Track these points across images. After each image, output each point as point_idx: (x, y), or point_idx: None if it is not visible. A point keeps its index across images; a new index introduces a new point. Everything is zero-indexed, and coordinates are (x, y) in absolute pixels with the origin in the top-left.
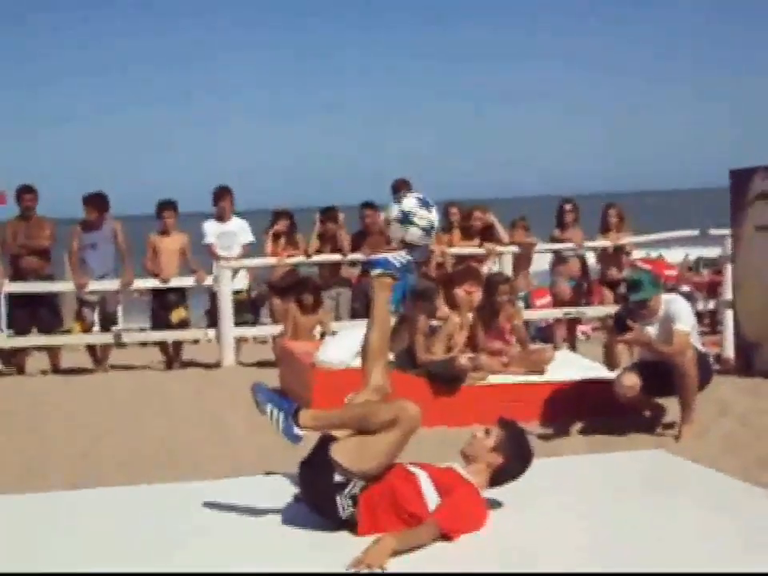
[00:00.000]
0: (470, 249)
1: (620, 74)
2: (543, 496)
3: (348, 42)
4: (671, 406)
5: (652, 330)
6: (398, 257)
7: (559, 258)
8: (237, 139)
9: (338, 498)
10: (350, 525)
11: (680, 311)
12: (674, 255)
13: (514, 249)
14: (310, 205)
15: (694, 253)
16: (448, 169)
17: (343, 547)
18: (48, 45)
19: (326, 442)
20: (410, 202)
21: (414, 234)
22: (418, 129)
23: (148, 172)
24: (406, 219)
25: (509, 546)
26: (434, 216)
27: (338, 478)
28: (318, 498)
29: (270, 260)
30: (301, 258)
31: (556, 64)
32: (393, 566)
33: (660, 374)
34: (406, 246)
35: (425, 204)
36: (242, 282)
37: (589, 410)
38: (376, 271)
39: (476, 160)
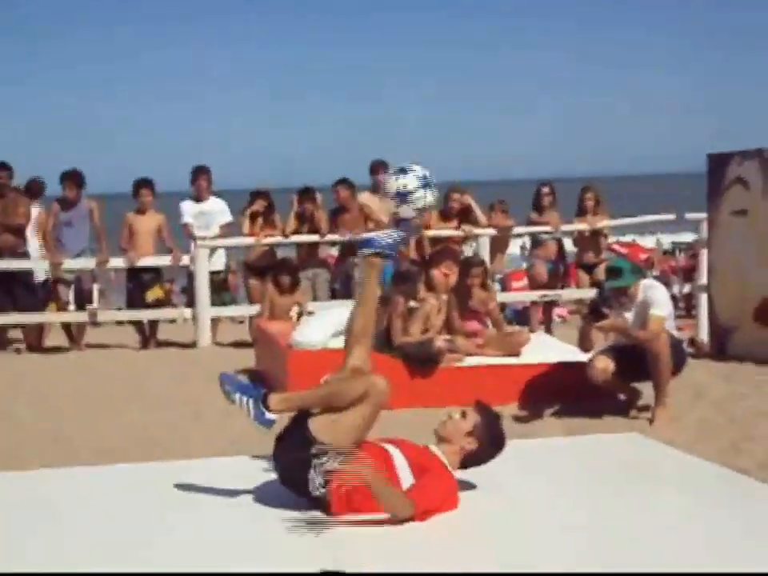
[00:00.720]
0: (448, 231)
1: (599, 57)
2: (516, 478)
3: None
4: (646, 391)
5: (628, 315)
6: (388, 236)
7: (536, 241)
8: (218, 117)
9: (311, 472)
10: (322, 504)
11: (657, 297)
12: (648, 240)
13: (492, 231)
14: (288, 185)
15: (669, 238)
16: (430, 149)
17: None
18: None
19: (302, 417)
20: (409, 180)
21: (406, 211)
22: (402, 107)
23: (125, 150)
24: (402, 171)
25: (479, 531)
26: (430, 197)
27: (313, 452)
28: (292, 473)
29: (248, 240)
30: (278, 239)
31: (535, 42)
32: (373, 558)
33: (634, 358)
34: (397, 222)
35: (425, 184)
36: (220, 262)
37: (564, 393)
38: (366, 251)
39: (454, 142)
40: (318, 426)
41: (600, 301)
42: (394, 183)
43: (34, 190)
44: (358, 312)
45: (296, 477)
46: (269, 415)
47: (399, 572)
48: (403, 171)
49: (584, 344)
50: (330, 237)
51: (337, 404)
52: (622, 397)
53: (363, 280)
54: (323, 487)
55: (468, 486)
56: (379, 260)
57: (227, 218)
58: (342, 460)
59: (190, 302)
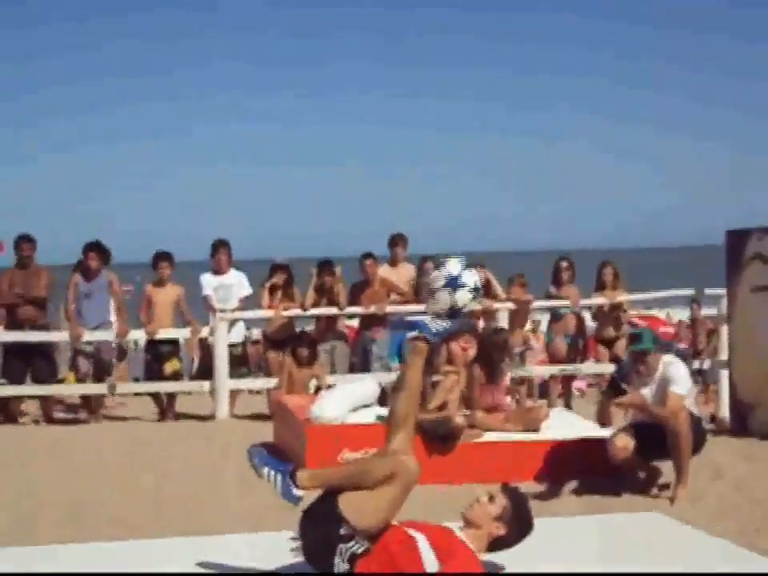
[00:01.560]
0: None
1: (616, 129)
2: (538, 558)
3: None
4: (665, 468)
5: (648, 392)
6: (439, 324)
7: (555, 315)
8: (235, 185)
9: (337, 553)
10: None
11: (677, 374)
12: (663, 313)
13: (510, 305)
14: (308, 256)
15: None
16: (438, 219)
17: None
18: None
19: (330, 492)
20: (454, 268)
21: (463, 298)
22: (415, 181)
23: (140, 219)
24: (455, 283)
25: None
26: (477, 277)
27: (342, 531)
28: (317, 553)
29: (267, 313)
30: (297, 311)
31: (557, 108)
32: None
33: (654, 437)
34: (452, 312)
35: (466, 266)
36: (239, 334)
37: (583, 470)
38: (413, 333)
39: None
40: (346, 504)
41: (619, 376)
42: (441, 274)
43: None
44: (401, 396)
45: (321, 558)
46: (296, 491)
47: None
48: (442, 263)
49: (603, 419)
50: (350, 309)
51: (364, 483)
52: (641, 475)
53: (408, 363)
54: (348, 572)
55: (488, 564)
56: (424, 345)
57: (246, 290)
58: (367, 548)
59: (204, 374)
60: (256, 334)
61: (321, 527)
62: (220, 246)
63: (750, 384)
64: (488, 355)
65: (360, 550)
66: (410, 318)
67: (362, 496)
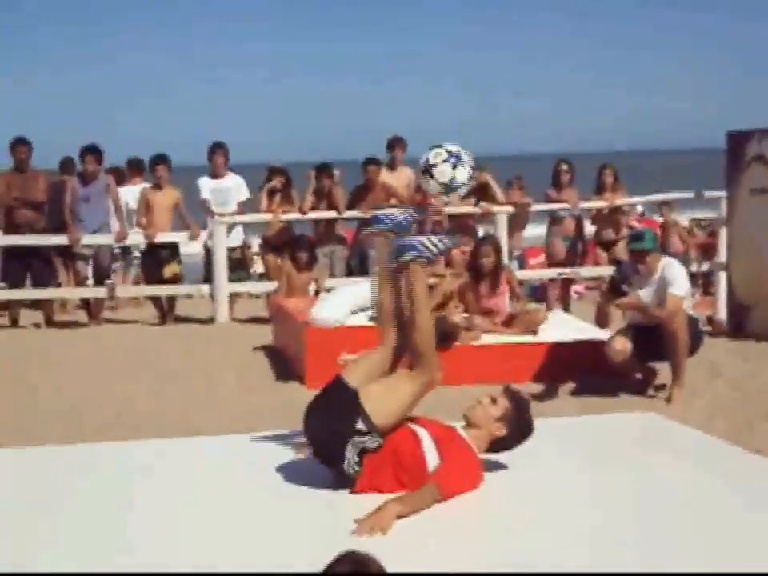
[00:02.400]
0: (466, 208)
1: (614, 29)
2: (536, 458)
3: None
4: (662, 370)
5: (646, 293)
6: (435, 243)
7: (554, 218)
8: (234, 91)
9: (349, 445)
10: (348, 479)
11: (676, 276)
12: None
13: (510, 209)
14: (306, 160)
15: (688, 215)
16: (442, 121)
17: (343, 507)
18: None
19: (344, 386)
20: (453, 146)
21: (462, 174)
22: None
23: (139, 123)
24: (456, 159)
25: (502, 512)
26: (458, 174)
27: (358, 425)
28: (328, 445)
29: (265, 216)
30: (296, 215)
31: (556, 17)
32: (394, 532)
33: (651, 338)
34: (447, 189)
35: (454, 159)
36: (237, 238)
37: (580, 371)
38: (408, 256)
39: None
40: (367, 398)
41: (619, 278)
42: (423, 157)
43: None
44: (384, 293)
45: (331, 450)
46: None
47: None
48: (432, 148)
49: (601, 320)
50: (348, 213)
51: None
52: (638, 376)
53: (412, 284)
54: (358, 465)
55: (487, 464)
56: (420, 267)
57: (245, 194)
58: (380, 444)
59: (207, 278)
60: (256, 245)
61: (336, 419)
62: (217, 148)
63: (748, 286)
64: (482, 260)
65: (373, 445)
66: (406, 240)
67: (383, 392)
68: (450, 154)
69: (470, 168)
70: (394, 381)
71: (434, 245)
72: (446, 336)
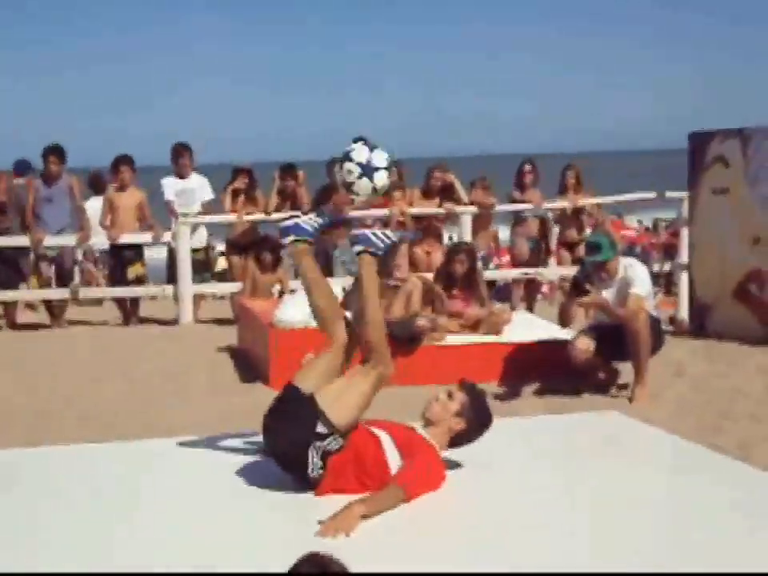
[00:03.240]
0: (430, 208)
1: (582, 29)
2: (499, 457)
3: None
4: (625, 369)
5: (609, 294)
6: (383, 236)
7: (518, 219)
8: (194, 93)
9: (311, 450)
10: (312, 483)
11: (637, 276)
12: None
13: (474, 209)
14: (271, 160)
15: (651, 215)
16: (406, 124)
17: (307, 509)
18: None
19: (296, 391)
20: (360, 153)
21: (382, 179)
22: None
23: (104, 123)
24: (369, 169)
25: (464, 511)
26: (385, 153)
27: (318, 428)
28: (290, 450)
29: (229, 217)
30: (260, 216)
31: (526, 15)
32: (358, 533)
33: (614, 338)
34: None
35: (371, 147)
36: (201, 239)
37: (544, 372)
38: (357, 248)
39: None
40: (325, 400)
41: (582, 277)
42: (369, 185)
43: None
44: (315, 297)
45: (294, 457)
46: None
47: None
48: (369, 169)
49: (564, 320)
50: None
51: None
52: (601, 375)
53: (361, 276)
54: (321, 469)
55: (450, 463)
56: (303, 246)
57: (209, 194)
58: (341, 445)
59: (171, 279)
60: (219, 246)
61: (295, 426)
62: (182, 149)
63: (709, 285)
64: (455, 266)
65: (336, 446)
66: (354, 232)
67: (339, 391)
68: (369, 161)
69: (373, 188)
70: (348, 378)
71: (381, 238)
72: (413, 337)
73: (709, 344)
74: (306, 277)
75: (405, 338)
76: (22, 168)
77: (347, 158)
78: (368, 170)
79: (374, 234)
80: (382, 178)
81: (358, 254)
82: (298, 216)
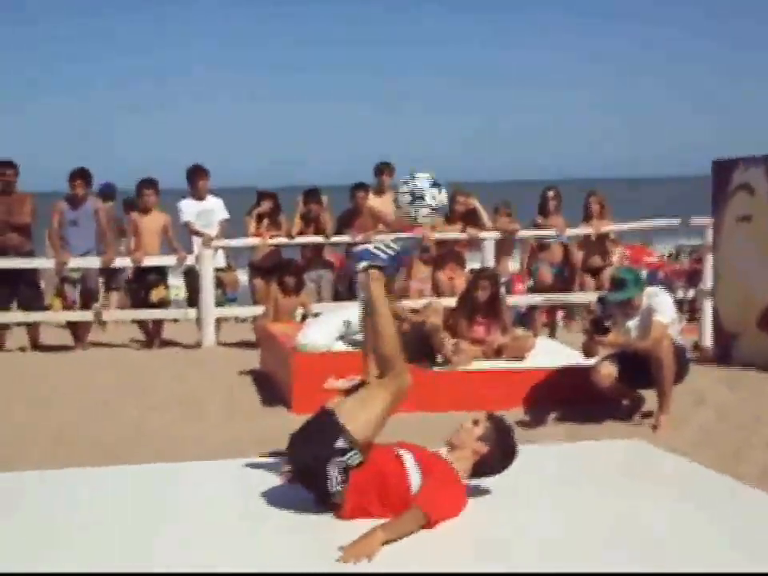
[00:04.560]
0: (453, 233)
1: (601, 58)
2: (521, 484)
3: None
4: (649, 397)
5: (633, 324)
6: (383, 248)
7: (541, 245)
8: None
9: (331, 465)
10: (334, 502)
11: (661, 304)
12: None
13: (496, 234)
14: (293, 184)
15: (675, 242)
16: (432, 150)
17: (328, 533)
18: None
19: (328, 412)
20: (421, 182)
21: (422, 213)
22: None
23: (122, 147)
24: (418, 198)
25: (486, 537)
26: (443, 196)
27: (339, 444)
28: (311, 465)
29: (253, 240)
30: (283, 240)
31: (539, 44)
32: (379, 559)
33: (638, 364)
34: (407, 229)
35: (435, 184)
36: (219, 261)
37: (568, 398)
38: (362, 264)
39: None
40: (344, 414)
41: (602, 315)
42: (405, 187)
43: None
44: (380, 322)
45: (314, 472)
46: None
47: None
48: (410, 179)
49: (588, 353)
50: (336, 238)
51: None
52: (625, 402)
53: (370, 293)
54: (343, 484)
55: (472, 489)
56: (377, 272)
57: (225, 215)
58: (362, 460)
59: (192, 301)
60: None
61: (317, 442)
62: (200, 171)
63: (734, 313)
64: (479, 292)
65: (356, 462)
66: (356, 249)
67: (357, 405)
68: (415, 189)
69: (430, 208)
70: (366, 392)
71: (383, 250)
72: (425, 342)
73: (733, 373)
74: (375, 301)
75: (419, 344)
76: (107, 190)
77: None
78: (435, 184)
79: (376, 247)
80: (434, 195)
81: (364, 270)
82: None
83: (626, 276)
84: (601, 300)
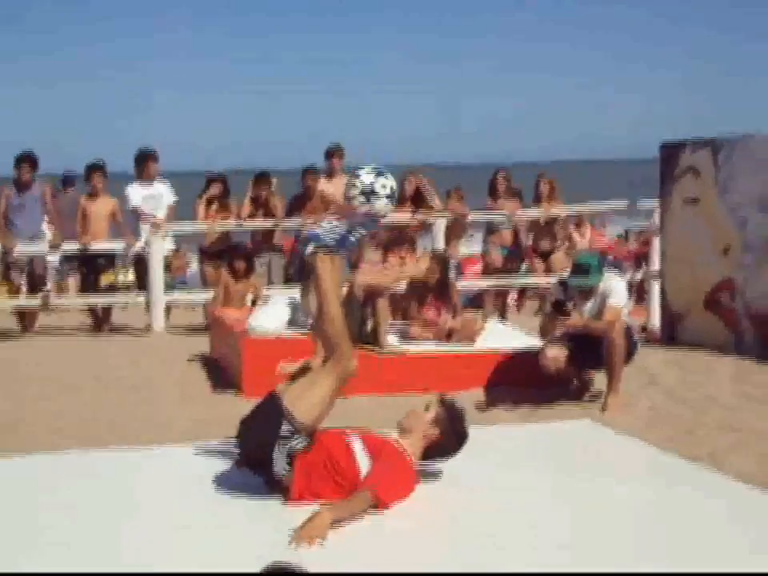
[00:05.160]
0: (403, 216)
1: (552, 40)
2: (469, 466)
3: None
4: (597, 378)
5: (587, 306)
6: (331, 231)
7: (491, 228)
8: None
9: (276, 451)
10: (282, 486)
11: (615, 288)
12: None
13: (447, 217)
14: (243, 168)
15: (622, 224)
16: (383, 135)
17: (278, 516)
18: None
19: (274, 397)
20: (367, 177)
21: (379, 205)
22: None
23: (72, 131)
24: (369, 192)
25: (436, 519)
26: (391, 181)
27: (283, 429)
28: (257, 451)
29: (202, 225)
30: (233, 224)
31: (486, 26)
32: (331, 539)
33: (586, 346)
34: (372, 220)
35: (380, 173)
36: (168, 246)
37: (518, 380)
38: (310, 248)
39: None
40: (290, 398)
41: (565, 297)
42: (356, 186)
43: None
44: (328, 306)
45: (260, 456)
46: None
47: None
48: (355, 175)
49: (545, 336)
50: (286, 222)
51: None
52: (573, 383)
53: (316, 274)
54: (288, 468)
55: (421, 471)
56: (324, 254)
57: (172, 198)
58: (306, 444)
59: (141, 287)
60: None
61: (263, 427)
62: (148, 156)
63: (681, 294)
64: (428, 274)
65: (301, 446)
66: (305, 232)
67: (302, 389)
68: (374, 169)
69: (385, 198)
70: (311, 376)
71: (330, 232)
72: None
73: (680, 353)
74: (321, 284)
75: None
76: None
77: (356, 175)
78: (380, 173)
79: (323, 230)
80: (383, 184)
81: (312, 252)
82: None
83: (590, 262)
84: (562, 283)
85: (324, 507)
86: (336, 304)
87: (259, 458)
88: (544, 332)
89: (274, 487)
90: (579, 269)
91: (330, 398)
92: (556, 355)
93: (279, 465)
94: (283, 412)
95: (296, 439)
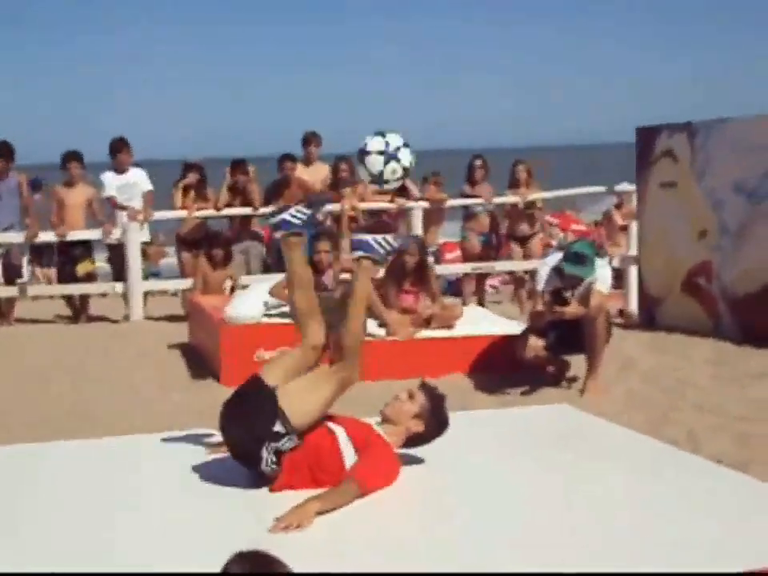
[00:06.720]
0: (381, 203)
1: (529, 23)
2: (449, 451)
3: None
4: (574, 362)
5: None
6: (296, 214)
7: (469, 214)
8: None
9: (265, 447)
10: (266, 478)
11: (601, 274)
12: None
13: (425, 204)
14: (220, 156)
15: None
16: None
17: (259, 506)
18: None
19: (260, 384)
20: (395, 138)
21: (393, 170)
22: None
23: (53, 120)
24: (392, 154)
25: (418, 507)
26: (412, 158)
27: (276, 428)
28: (245, 441)
29: (180, 213)
30: (210, 212)
31: (451, 13)
32: (316, 526)
33: (565, 331)
34: (376, 180)
35: (405, 144)
36: (145, 234)
37: (496, 365)
38: (280, 233)
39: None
40: (286, 401)
41: (563, 286)
42: (378, 147)
43: None
44: (294, 293)
45: (248, 451)
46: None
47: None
48: (393, 154)
49: (536, 323)
50: (264, 210)
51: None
52: (551, 368)
53: (286, 261)
54: (275, 464)
55: (404, 457)
56: (295, 239)
57: (148, 186)
58: (295, 444)
59: (118, 276)
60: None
61: (253, 421)
62: (120, 144)
63: (658, 278)
64: (406, 258)
65: (290, 446)
66: (355, 237)
67: (302, 391)
68: (388, 146)
69: (402, 167)
70: (313, 379)
71: (382, 245)
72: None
73: (658, 336)
74: (291, 269)
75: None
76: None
77: (365, 152)
78: (391, 154)
79: (376, 241)
80: (406, 155)
81: (283, 238)
82: (288, 208)
83: (587, 251)
84: (558, 271)
85: (310, 497)
86: (361, 320)
87: (246, 451)
88: (535, 319)
89: (260, 478)
90: (576, 257)
91: (327, 404)
92: (533, 343)
93: (265, 461)
94: (278, 411)
95: (286, 440)
